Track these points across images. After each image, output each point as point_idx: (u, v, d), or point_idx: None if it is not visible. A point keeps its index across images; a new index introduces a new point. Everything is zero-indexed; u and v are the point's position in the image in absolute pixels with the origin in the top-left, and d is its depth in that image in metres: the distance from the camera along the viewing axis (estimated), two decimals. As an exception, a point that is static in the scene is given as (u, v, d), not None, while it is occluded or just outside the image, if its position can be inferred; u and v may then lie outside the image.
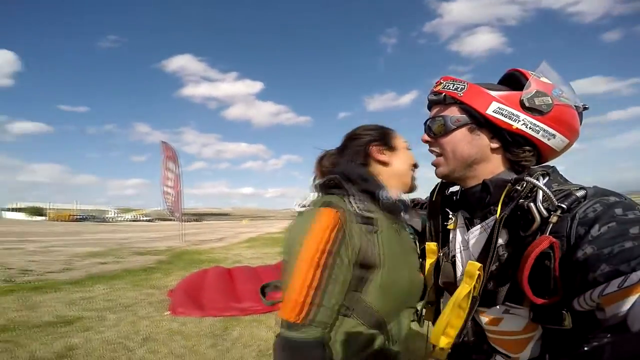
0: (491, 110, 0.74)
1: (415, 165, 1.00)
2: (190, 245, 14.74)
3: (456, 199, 0.93)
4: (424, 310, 0.96)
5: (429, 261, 0.91)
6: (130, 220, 79.68)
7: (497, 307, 0.72)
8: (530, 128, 0.73)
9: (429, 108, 0.87)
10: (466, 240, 0.81)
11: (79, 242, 17.34)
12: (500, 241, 0.71)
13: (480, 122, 0.77)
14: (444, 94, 0.81)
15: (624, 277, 0.51)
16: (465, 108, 0.78)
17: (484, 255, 0.71)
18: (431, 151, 0.86)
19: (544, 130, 0.73)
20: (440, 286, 0.88)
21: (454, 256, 0.84)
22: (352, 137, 0.98)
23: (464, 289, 0.71)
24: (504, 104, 0.74)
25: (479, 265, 0.70)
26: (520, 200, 0.68)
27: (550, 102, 0.71)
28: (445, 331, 0.74)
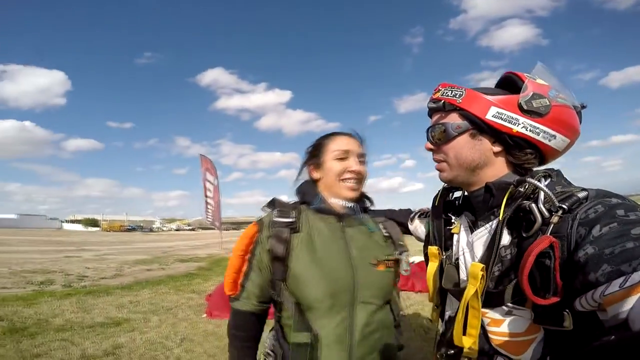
0: (490, 115, 0.74)
1: (352, 171, 1.06)
2: (228, 253, 15.26)
3: (459, 204, 0.93)
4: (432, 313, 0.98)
5: (432, 265, 0.91)
6: (174, 230, 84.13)
7: (500, 308, 0.72)
8: (530, 130, 0.73)
9: (430, 116, 0.88)
10: (470, 242, 0.81)
11: (129, 250, 18.62)
12: (503, 242, 0.71)
13: (481, 127, 0.77)
14: (442, 101, 0.81)
15: (626, 277, 0.51)
16: (464, 114, 0.78)
17: (487, 256, 0.72)
18: (435, 159, 0.86)
19: (544, 132, 0.73)
20: (444, 289, 0.89)
21: (457, 259, 0.85)
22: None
23: (470, 289, 0.72)
24: (502, 108, 0.74)
25: (482, 266, 0.71)
26: (523, 202, 0.68)
27: (548, 103, 0.71)
28: (467, 332, 0.75)
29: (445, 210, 0.93)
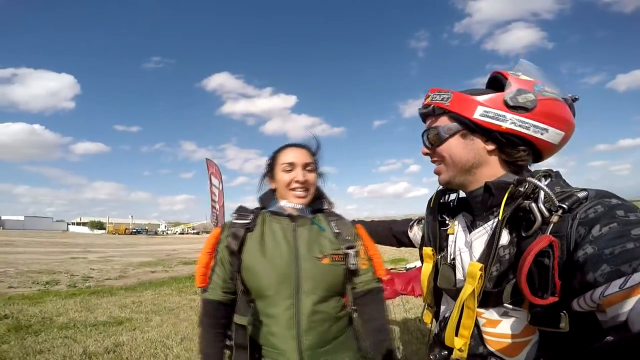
0: (478, 114, 0.75)
1: (297, 181, 1.19)
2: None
3: (454, 205, 0.94)
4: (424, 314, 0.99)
5: (426, 265, 0.92)
6: (179, 233, 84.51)
7: (497, 308, 0.71)
8: (519, 126, 0.73)
9: (424, 122, 0.89)
10: (469, 242, 0.81)
11: (133, 253, 18.77)
12: (502, 242, 0.70)
13: (470, 127, 0.77)
14: (432, 105, 0.82)
15: (626, 277, 0.50)
16: (454, 116, 0.79)
17: (486, 256, 0.71)
18: (433, 162, 0.87)
19: (534, 126, 0.73)
20: (438, 289, 0.89)
21: (454, 259, 0.85)
22: None
23: (467, 289, 0.71)
24: (489, 107, 0.74)
25: (480, 265, 0.70)
26: (522, 201, 0.67)
27: (534, 97, 0.71)
28: (459, 333, 0.75)
29: (440, 211, 0.94)
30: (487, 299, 0.71)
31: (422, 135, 0.86)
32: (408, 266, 5.11)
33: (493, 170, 0.79)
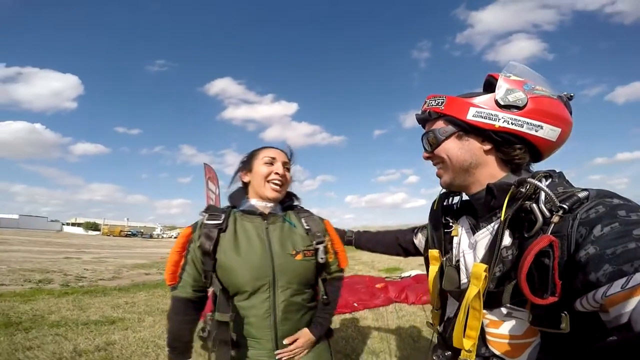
0: (471, 115, 0.77)
1: (277, 174, 1.26)
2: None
3: (457, 208, 0.95)
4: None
5: (433, 268, 0.92)
6: (174, 237, 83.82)
7: (500, 309, 0.72)
8: (512, 124, 0.74)
9: (423, 127, 0.91)
10: (472, 243, 0.82)
11: (128, 254, 18.63)
12: (505, 243, 0.71)
13: (465, 128, 0.79)
14: (428, 110, 0.86)
15: (628, 277, 0.50)
16: (449, 119, 0.81)
17: (489, 256, 0.72)
18: (434, 164, 0.90)
19: (528, 123, 0.74)
20: (445, 292, 0.90)
21: (458, 261, 0.86)
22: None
23: (473, 290, 0.72)
24: (481, 108, 0.76)
25: (485, 266, 0.71)
26: (524, 202, 0.68)
27: (524, 96, 0.73)
28: (466, 334, 0.75)
29: (444, 214, 0.95)
30: (491, 300, 0.72)
31: (422, 140, 0.89)
32: (402, 275, 5.12)
33: (491, 170, 0.81)
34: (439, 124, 0.84)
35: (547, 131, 0.75)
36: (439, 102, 0.83)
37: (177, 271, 1.22)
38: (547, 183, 0.71)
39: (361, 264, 13.23)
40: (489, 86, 0.81)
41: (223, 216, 1.23)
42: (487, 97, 0.77)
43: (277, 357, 1.18)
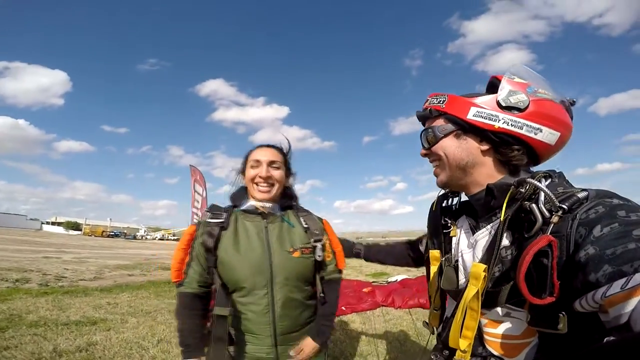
0: (471, 114, 0.78)
1: (260, 177, 1.28)
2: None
3: (455, 209, 0.96)
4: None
5: (433, 268, 0.93)
6: (158, 239, 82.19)
7: (498, 309, 0.72)
8: (512, 125, 0.74)
9: (423, 125, 0.92)
10: (472, 243, 0.82)
11: (110, 255, 18.14)
12: (504, 243, 0.71)
13: (464, 127, 0.80)
14: (429, 108, 0.86)
15: (627, 278, 0.50)
16: (449, 117, 0.82)
17: (488, 256, 0.72)
18: (431, 162, 0.90)
19: (527, 126, 0.74)
20: (444, 291, 0.90)
21: (457, 261, 0.86)
22: None
23: (471, 290, 0.72)
24: (482, 108, 0.77)
25: (484, 266, 0.71)
26: (524, 202, 0.68)
27: (526, 98, 0.74)
28: (462, 334, 0.75)
29: (443, 215, 0.95)
30: (489, 300, 0.71)
31: (420, 137, 0.89)
32: (389, 279, 5.17)
33: (489, 170, 0.81)
34: (439, 122, 0.84)
35: (546, 134, 0.75)
36: (440, 100, 0.84)
37: (182, 268, 1.26)
38: (546, 183, 0.71)
39: (350, 268, 13.22)
40: (492, 88, 0.82)
41: (225, 215, 1.27)
42: (489, 98, 0.77)
43: None
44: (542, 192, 0.66)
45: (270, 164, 1.31)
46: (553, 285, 0.58)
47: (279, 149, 1.39)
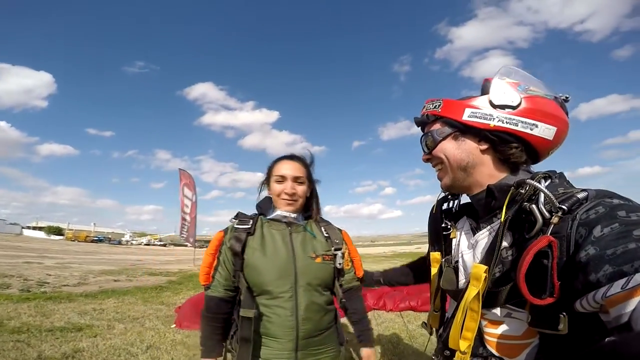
0: (466, 115, 0.80)
1: (286, 193, 1.33)
2: (200, 269, 14.74)
3: (455, 211, 0.97)
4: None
5: (434, 269, 0.94)
6: (144, 244, 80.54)
7: (499, 309, 0.72)
8: (507, 123, 0.75)
9: (422, 131, 0.93)
10: (472, 244, 0.83)
11: (95, 260, 17.69)
12: (505, 243, 0.71)
13: (461, 129, 0.82)
14: (426, 114, 0.89)
15: (628, 278, 0.50)
16: (446, 121, 0.84)
17: (489, 257, 0.72)
18: (433, 166, 0.91)
19: (523, 122, 0.75)
20: (444, 292, 0.91)
21: (457, 262, 0.87)
22: None
23: (472, 291, 0.72)
24: (476, 108, 0.79)
25: (485, 267, 0.71)
26: (524, 203, 0.68)
27: (517, 95, 0.76)
28: (462, 335, 0.75)
29: (443, 218, 0.96)
30: (490, 300, 0.72)
31: (420, 142, 0.91)
32: (381, 283, 5.19)
33: (489, 170, 0.82)
34: (437, 126, 0.86)
35: (543, 130, 0.76)
36: (436, 105, 0.86)
37: (210, 272, 1.32)
38: (546, 184, 0.71)
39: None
40: (486, 90, 0.83)
41: (251, 222, 1.34)
42: (482, 98, 0.80)
43: None
44: (541, 193, 0.66)
45: (295, 179, 1.35)
46: (553, 286, 0.59)
47: (302, 161, 1.42)
